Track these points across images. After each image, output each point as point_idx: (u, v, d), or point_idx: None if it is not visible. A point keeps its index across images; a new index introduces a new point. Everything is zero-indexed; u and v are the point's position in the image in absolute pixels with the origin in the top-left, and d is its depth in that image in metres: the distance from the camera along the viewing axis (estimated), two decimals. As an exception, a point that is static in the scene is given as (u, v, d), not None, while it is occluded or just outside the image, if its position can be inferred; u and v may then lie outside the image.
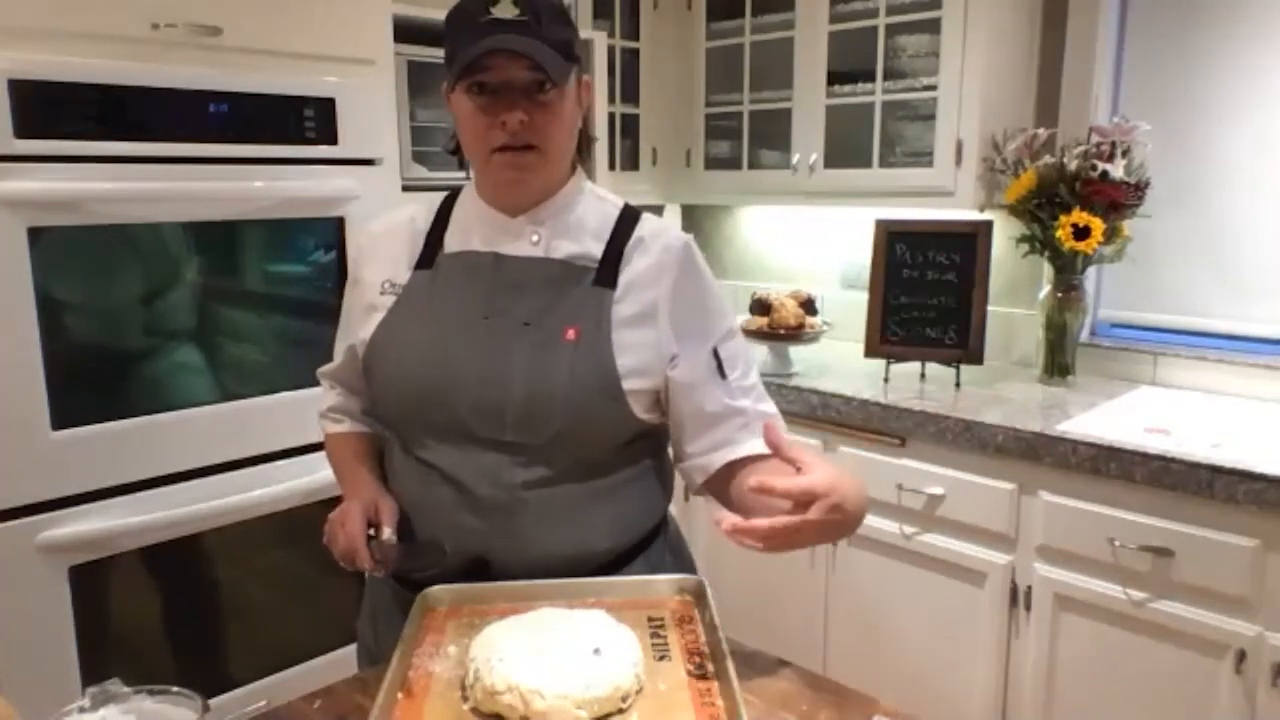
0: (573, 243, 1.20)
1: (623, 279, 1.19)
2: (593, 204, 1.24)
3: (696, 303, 1.21)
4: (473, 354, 1.16)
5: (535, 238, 1.20)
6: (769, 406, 1.25)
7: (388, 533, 1.16)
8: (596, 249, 1.20)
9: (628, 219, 1.23)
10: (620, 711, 0.93)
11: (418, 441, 1.21)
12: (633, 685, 0.95)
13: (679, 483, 1.32)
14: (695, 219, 3.41)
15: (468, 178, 1.28)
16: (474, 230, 1.23)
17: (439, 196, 1.30)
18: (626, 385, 1.16)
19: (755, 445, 1.17)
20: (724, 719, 0.92)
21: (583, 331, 1.15)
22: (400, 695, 0.97)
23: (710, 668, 1.01)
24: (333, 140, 2.03)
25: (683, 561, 1.35)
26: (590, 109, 1.27)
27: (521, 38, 1.08)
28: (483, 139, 1.14)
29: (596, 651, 0.95)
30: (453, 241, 1.24)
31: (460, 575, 1.17)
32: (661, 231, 1.23)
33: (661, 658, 1.03)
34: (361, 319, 1.26)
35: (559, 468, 1.17)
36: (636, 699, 0.95)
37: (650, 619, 1.11)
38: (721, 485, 1.22)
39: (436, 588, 1.15)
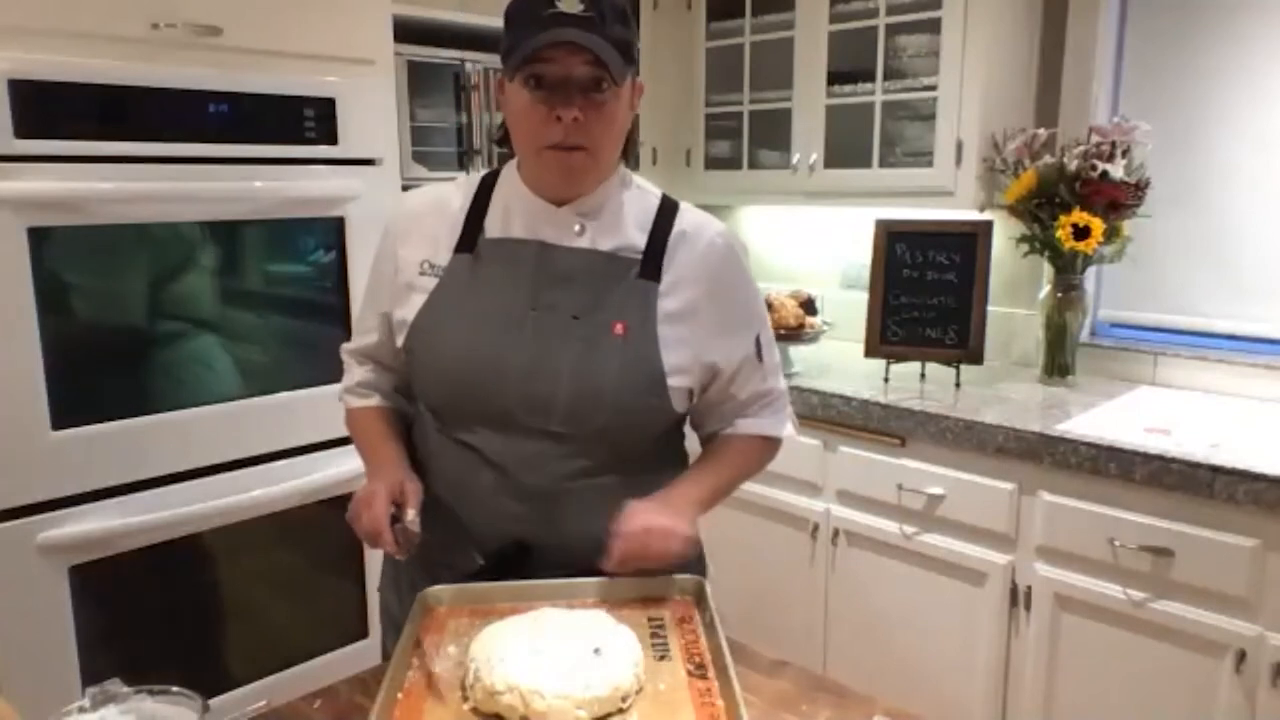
0: (617, 234, 1.22)
1: (667, 273, 1.22)
2: (634, 195, 1.26)
3: (742, 299, 1.29)
4: (521, 346, 1.18)
5: (578, 227, 1.22)
6: (784, 383, 1.38)
7: (411, 515, 1.16)
8: (640, 239, 1.23)
9: (668, 210, 1.26)
10: (620, 711, 0.93)
11: (462, 425, 1.22)
12: (632, 685, 0.95)
13: None
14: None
15: (468, 175, 1.29)
16: (516, 216, 1.23)
17: (476, 176, 1.30)
18: (670, 382, 1.20)
19: (767, 424, 1.34)
20: (724, 719, 0.92)
21: (630, 327, 1.18)
22: (400, 695, 0.97)
23: (710, 668, 1.01)
24: (333, 140, 2.03)
25: (700, 560, 1.37)
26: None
27: (586, 33, 1.09)
28: (536, 133, 1.14)
29: (596, 651, 0.95)
30: (494, 225, 1.24)
31: (499, 559, 1.19)
32: (703, 226, 1.26)
33: (661, 657, 1.03)
34: (399, 296, 1.26)
35: (600, 459, 1.20)
36: (636, 699, 0.95)
37: (650, 619, 1.11)
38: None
39: (437, 587, 1.16)
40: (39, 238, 1.67)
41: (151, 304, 1.88)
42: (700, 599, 1.15)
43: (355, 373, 1.38)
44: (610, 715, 0.92)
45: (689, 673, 1.00)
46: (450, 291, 1.22)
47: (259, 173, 1.92)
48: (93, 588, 1.80)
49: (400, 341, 1.26)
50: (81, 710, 0.86)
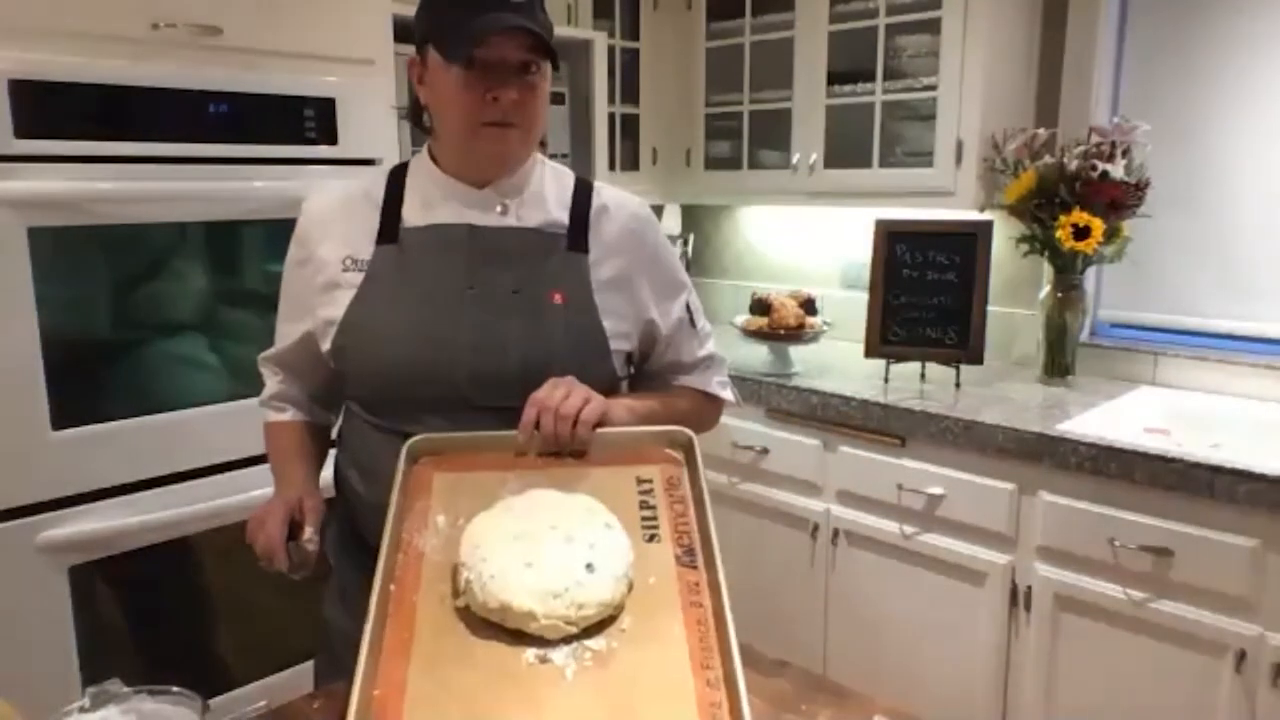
0: (539, 211, 1.25)
1: (594, 244, 1.25)
2: (550, 174, 1.30)
3: (669, 266, 1.34)
4: (465, 325, 1.18)
5: (500, 208, 1.24)
6: (720, 351, 1.41)
7: (309, 533, 1.15)
8: (562, 215, 1.25)
9: (584, 186, 1.30)
10: (612, 619, 0.92)
11: (407, 417, 1.20)
12: (623, 596, 0.94)
13: None
14: (695, 219, 3.41)
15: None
16: (438, 202, 1.24)
17: (384, 169, 1.31)
18: (611, 346, 1.24)
19: (714, 385, 1.38)
20: (710, 621, 0.92)
21: (568, 296, 1.21)
22: (393, 587, 0.94)
23: (699, 553, 1.00)
24: (333, 140, 2.03)
25: None
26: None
27: (524, 17, 1.13)
28: (472, 112, 1.16)
29: (589, 567, 0.93)
30: (414, 215, 1.24)
31: None
32: (623, 200, 1.31)
33: (651, 538, 1.02)
34: (321, 299, 1.24)
35: None
36: (627, 597, 0.94)
37: (640, 480, 1.09)
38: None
39: (420, 436, 1.12)
40: (39, 238, 1.67)
41: (152, 304, 1.88)
42: (690, 456, 1.12)
43: (269, 384, 1.37)
44: (603, 622, 0.92)
45: (677, 559, 0.99)
46: (380, 282, 1.21)
47: (259, 173, 1.92)
48: (93, 588, 1.80)
49: (327, 344, 1.24)
50: (81, 710, 0.86)
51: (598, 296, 1.23)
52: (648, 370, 1.36)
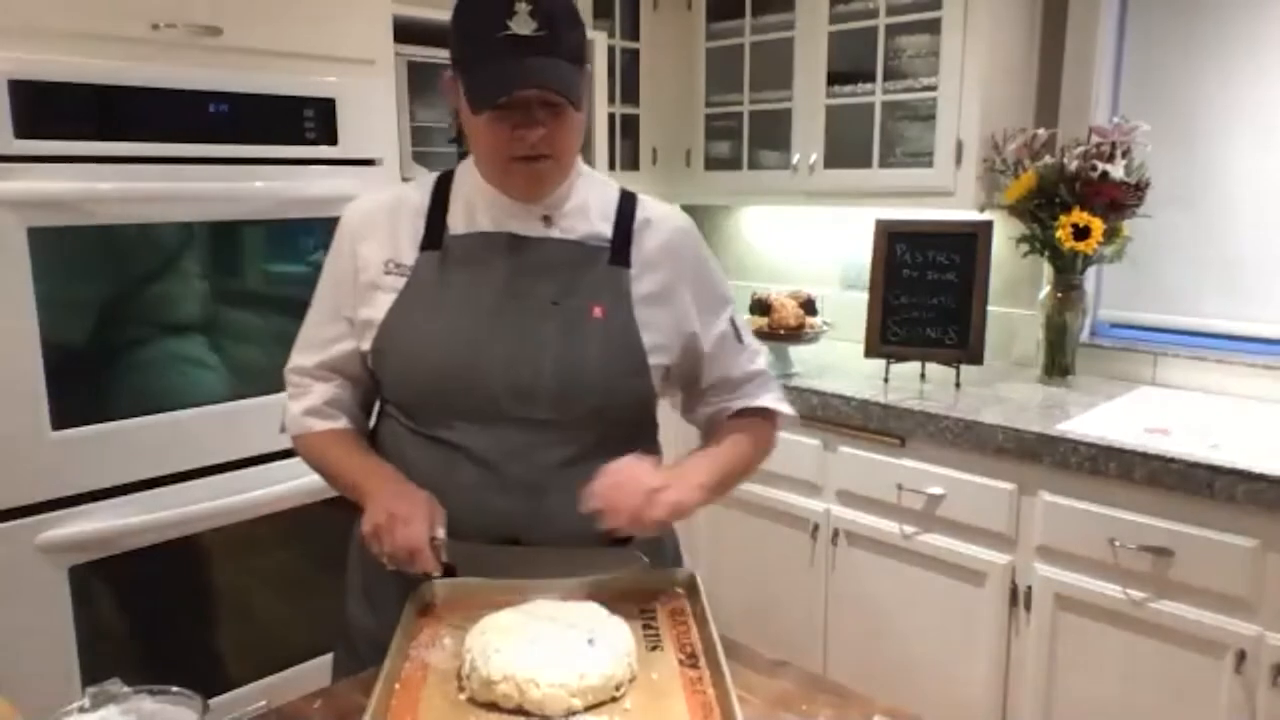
0: (582, 224, 1.24)
1: (636, 258, 1.24)
2: (594, 187, 1.29)
3: (712, 280, 1.33)
4: (503, 335, 1.18)
5: (543, 220, 1.23)
6: (766, 364, 1.40)
7: (441, 533, 1.13)
8: (605, 229, 1.25)
9: (628, 200, 1.29)
10: (614, 699, 0.94)
11: (440, 423, 1.20)
12: (626, 674, 0.96)
13: None
14: (695, 219, 3.39)
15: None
16: (481, 212, 1.24)
17: (431, 177, 1.30)
18: (650, 361, 1.22)
19: (768, 399, 1.35)
20: (714, 706, 0.93)
21: (608, 309, 1.20)
22: (396, 686, 0.97)
23: (702, 658, 1.02)
24: (333, 140, 2.03)
25: (671, 539, 1.38)
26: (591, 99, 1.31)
27: (543, 59, 1.09)
28: (500, 148, 1.15)
29: (590, 641, 0.96)
30: (458, 223, 1.24)
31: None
32: (667, 214, 1.31)
33: (654, 648, 1.04)
34: (361, 297, 1.23)
35: (584, 444, 1.20)
36: (630, 686, 0.96)
37: (643, 610, 1.12)
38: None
39: (433, 581, 1.15)
40: (39, 238, 1.66)
41: (152, 304, 1.88)
42: (692, 591, 1.15)
43: (317, 391, 1.30)
44: (604, 703, 0.94)
45: (680, 662, 1.02)
46: (422, 288, 1.21)
47: (259, 173, 1.92)
48: (93, 588, 1.80)
49: (366, 345, 1.23)
50: (81, 710, 0.86)
51: (637, 311, 1.22)
52: (700, 390, 1.33)
